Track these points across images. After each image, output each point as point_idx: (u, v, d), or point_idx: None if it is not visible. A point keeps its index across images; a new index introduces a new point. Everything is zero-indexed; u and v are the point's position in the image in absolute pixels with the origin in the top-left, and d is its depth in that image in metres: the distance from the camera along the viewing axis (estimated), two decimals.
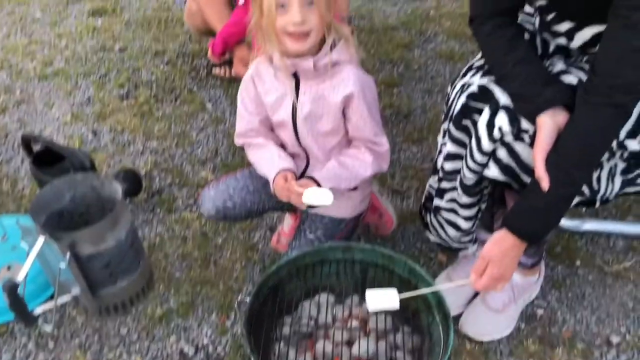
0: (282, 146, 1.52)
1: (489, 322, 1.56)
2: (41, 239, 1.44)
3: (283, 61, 1.35)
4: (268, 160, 1.47)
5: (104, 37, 2.99)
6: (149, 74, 2.69)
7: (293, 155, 1.51)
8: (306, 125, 1.42)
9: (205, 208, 1.58)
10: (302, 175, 1.50)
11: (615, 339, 1.55)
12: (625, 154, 1.27)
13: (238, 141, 1.58)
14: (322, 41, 1.36)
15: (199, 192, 2.04)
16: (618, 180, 1.33)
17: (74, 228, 1.47)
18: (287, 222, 1.78)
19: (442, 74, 2.61)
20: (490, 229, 1.58)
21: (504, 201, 1.52)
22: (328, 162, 1.46)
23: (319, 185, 1.40)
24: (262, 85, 1.46)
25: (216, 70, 2.63)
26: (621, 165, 1.31)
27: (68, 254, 1.43)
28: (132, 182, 1.93)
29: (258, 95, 1.48)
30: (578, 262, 1.76)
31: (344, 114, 1.41)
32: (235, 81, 2.56)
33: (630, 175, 1.34)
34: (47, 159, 1.88)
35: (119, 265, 1.55)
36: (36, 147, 1.94)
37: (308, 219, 1.58)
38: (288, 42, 1.31)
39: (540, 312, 1.62)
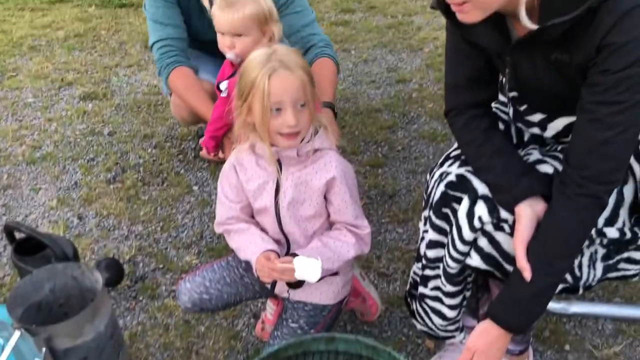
0: (265, 233, 1.52)
1: None
2: (16, 334, 1.40)
3: (269, 150, 1.38)
4: (251, 244, 1.46)
5: (94, 120, 3.04)
6: (137, 157, 2.72)
7: (275, 242, 1.51)
8: (289, 211, 1.43)
9: (181, 301, 1.58)
10: None
11: None
12: (605, 241, 1.28)
13: (218, 229, 1.58)
14: None
15: (182, 278, 2.02)
16: (599, 267, 1.34)
17: (53, 319, 1.44)
18: (270, 309, 1.75)
19: (426, 154, 2.66)
20: (476, 315, 1.57)
21: (489, 287, 1.51)
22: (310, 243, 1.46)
23: None
24: (243, 173, 1.48)
25: (203, 153, 2.67)
26: (601, 252, 1.32)
27: (44, 349, 1.39)
28: (114, 271, 1.90)
29: (239, 183, 1.49)
30: (567, 347, 1.73)
31: (325, 198, 1.43)
32: (222, 163, 2.59)
33: (611, 262, 1.34)
34: (30, 247, 1.86)
35: (97, 358, 1.50)
36: (19, 235, 1.92)
37: (290, 307, 1.56)
38: (281, 140, 1.35)
39: None
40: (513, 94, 1.35)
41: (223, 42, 1.80)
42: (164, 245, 2.19)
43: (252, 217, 1.54)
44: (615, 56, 1.03)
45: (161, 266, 2.09)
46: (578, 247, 1.20)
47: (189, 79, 2.24)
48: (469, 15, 1.09)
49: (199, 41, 2.42)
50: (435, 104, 3.07)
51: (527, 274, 1.17)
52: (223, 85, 1.91)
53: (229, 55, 1.80)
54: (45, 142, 2.87)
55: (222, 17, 1.75)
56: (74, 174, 2.62)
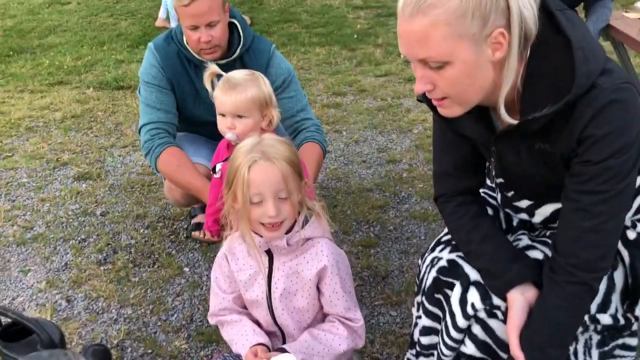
0: (257, 324, 1.50)
1: None
2: None
3: (250, 239, 1.39)
4: (242, 337, 1.44)
5: (87, 201, 3.06)
6: (129, 237, 2.71)
7: (268, 334, 1.48)
8: (281, 303, 1.42)
9: None
10: None
11: None
12: (599, 327, 1.28)
13: (212, 320, 1.57)
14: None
15: None
16: (595, 354, 1.33)
17: None
18: None
19: (417, 235, 2.67)
20: None
21: None
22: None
23: None
24: (235, 263, 1.48)
25: (195, 234, 2.67)
26: (596, 338, 1.32)
27: None
28: (101, 358, 1.85)
29: (231, 273, 1.49)
30: None
31: (318, 288, 1.42)
32: (213, 244, 2.59)
33: (607, 348, 1.33)
34: (16, 332, 1.82)
35: None
36: (5, 320, 1.88)
37: None
38: (263, 231, 1.36)
39: None
40: (500, 180, 1.39)
41: (223, 123, 1.85)
42: (153, 329, 2.15)
43: (245, 308, 1.52)
44: (595, 148, 1.07)
45: (150, 351, 2.04)
46: (571, 334, 1.20)
47: (181, 158, 2.27)
48: (450, 110, 1.13)
49: (195, 124, 2.48)
50: (426, 184, 3.12)
51: None
52: (218, 167, 1.95)
53: (229, 135, 1.84)
54: (37, 222, 2.87)
55: (225, 98, 1.80)
56: (65, 255, 2.60)
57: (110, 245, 2.65)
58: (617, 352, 1.34)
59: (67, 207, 3.00)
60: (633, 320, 1.31)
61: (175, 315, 2.22)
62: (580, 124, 1.07)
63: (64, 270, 2.50)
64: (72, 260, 2.55)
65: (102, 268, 2.50)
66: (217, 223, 2.01)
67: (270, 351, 1.42)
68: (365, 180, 3.18)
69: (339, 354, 1.42)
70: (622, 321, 1.27)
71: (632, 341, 1.34)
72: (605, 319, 1.25)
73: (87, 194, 3.14)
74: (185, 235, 2.72)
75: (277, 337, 1.50)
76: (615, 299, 1.27)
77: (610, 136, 1.05)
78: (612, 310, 1.26)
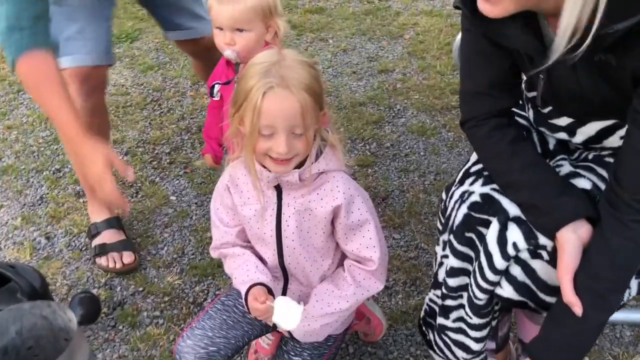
0: (261, 260, 1.36)
1: None
2: None
3: (253, 172, 1.21)
4: (243, 272, 1.30)
5: None
6: None
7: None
8: (294, 243, 1.27)
9: None
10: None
11: None
12: None
13: (213, 254, 1.42)
14: None
15: (180, 335, 1.87)
16: (635, 283, 1.21)
17: None
18: (266, 338, 1.59)
19: (416, 150, 2.52)
20: (495, 337, 1.43)
21: (509, 308, 1.38)
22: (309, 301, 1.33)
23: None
24: (238, 196, 1.31)
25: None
26: None
27: None
28: (89, 307, 1.71)
29: (235, 206, 1.32)
30: (586, 359, 1.62)
31: (333, 225, 1.27)
32: (200, 169, 2.42)
33: None
34: None
35: None
36: None
37: (291, 339, 1.41)
38: (269, 163, 1.18)
39: None
40: (532, 94, 1.21)
41: (221, 39, 1.57)
42: (143, 264, 2.01)
43: (249, 241, 1.37)
44: None
45: (141, 289, 1.92)
46: (630, 277, 1.07)
47: (42, 71, 1.50)
48: (498, 7, 0.93)
49: None
50: (421, 95, 2.93)
51: (578, 310, 1.03)
52: (216, 88, 1.71)
53: (228, 53, 1.57)
54: (5, 152, 2.64)
55: (221, 9, 1.52)
56: (39, 187, 2.41)
57: None
58: None
59: (36, 135, 2.76)
60: None
61: (165, 248, 2.08)
62: None
63: (39, 204, 2.31)
64: (47, 194, 2.36)
65: (81, 200, 2.31)
66: (220, 148, 1.79)
67: (270, 292, 1.28)
68: (357, 94, 2.97)
69: (341, 311, 1.31)
70: None
71: None
72: None
73: None
74: (168, 160, 2.53)
75: (279, 280, 1.37)
76: None
77: None
78: None
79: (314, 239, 1.28)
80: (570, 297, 1.03)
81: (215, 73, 1.70)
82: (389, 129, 2.68)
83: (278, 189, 1.25)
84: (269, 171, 1.21)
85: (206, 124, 1.80)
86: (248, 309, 1.27)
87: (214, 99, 1.70)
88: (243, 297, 1.29)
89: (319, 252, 1.30)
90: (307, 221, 1.25)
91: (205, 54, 2.14)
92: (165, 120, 2.79)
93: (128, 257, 1.97)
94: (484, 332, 1.27)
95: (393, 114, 2.79)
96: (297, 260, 1.30)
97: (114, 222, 2.06)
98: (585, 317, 1.03)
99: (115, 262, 1.95)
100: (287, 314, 1.22)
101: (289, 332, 1.37)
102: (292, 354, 1.40)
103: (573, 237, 1.04)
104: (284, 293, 1.37)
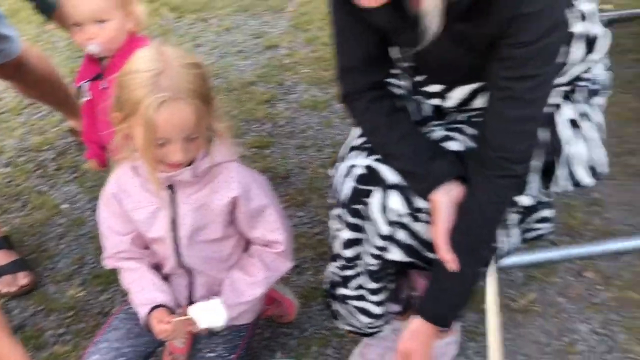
0: (159, 266, 1.33)
1: None
2: None
3: (154, 176, 1.18)
4: (140, 292, 1.28)
5: None
6: None
7: (173, 274, 1.33)
8: (190, 240, 1.26)
9: None
10: (190, 298, 1.33)
11: None
12: (519, 209, 1.25)
13: (107, 264, 1.37)
14: None
15: (69, 317, 1.78)
16: (516, 232, 1.31)
17: None
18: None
19: (312, 126, 2.54)
20: (397, 299, 1.50)
21: (405, 271, 1.45)
22: (219, 282, 1.32)
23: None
24: (128, 201, 1.27)
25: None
26: (515, 217, 1.29)
27: None
28: None
29: (125, 213, 1.28)
30: (484, 305, 1.73)
31: (232, 215, 1.27)
32: (90, 172, 2.31)
33: (525, 225, 1.32)
34: None
35: None
36: None
37: (206, 335, 1.40)
38: (164, 167, 1.17)
39: None
40: (407, 64, 1.25)
41: (81, 35, 1.48)
42: (41, 281, 1.91)
43: (145, 245, 1.34)
44: (528, 27, 0.95)
45: (41, 308, 1.82)
46: (497, 229, 1.15)
47: None
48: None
49: None
50: (309, 69, 2.94)
51: (453, 265, 1.10)
52: (85, 87, 1.62)
53: (91, 47, 1.48)
54: None
55: (78, 3, 1.43)
56: None
57: None
58: (536, 225, 1.34)
59: None
60: (550, 194, 1.29)
61: (63, 260, 1.98)
62: (509, 2, 0.94)
63: None
64: None
65: None
66: (104, 150, 1.71)
67: (172, 311, 1.29)
68: (246, 73, 2.93)
69: (255, 298, 1.32)
70: (542, 198, 1.24)
71: (549, 213, 1.34)
72: (525, 200, 1.22)
73: None
74: (55, 166, 2.39)
75: (183, 277, 1.35)
76: (535, 179, 1.23)
77: (543, 12, 0.94)
78: (532, 191, 1.22)
79: (213, 233, 1.27)
80: (445, 255, 1.10)
81: (81, 72, 1.62)
82: (282, 106, 2.68)
83: (171, 187, 1.23)
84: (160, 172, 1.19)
85: (84, 128, 1.71)
86: (151, 330, 1.26)
87: (85, 99, 1.62)
88: (142, 319, 1.28)
89: (219, 243, 1.30)
90: (204, 217, 1.24)
91: (18, 74, 2.08)
92: (46, 124, 2.63)
93: (24, 278, 1.86)
94: (383, 296, 1.33)
95: (284, 91, 2.79)
96: (198, 256, 1.29)
97: (2, 243, 1.94)
98: (461, 272, 1.11)
99: (9, 286, 1.84)
100: (209, 314, 1.23)
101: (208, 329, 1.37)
102: (207, 350, 1.39)
103: (445, 199, 1.10)
104: (190, 289, 1.36)
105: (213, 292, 1.35)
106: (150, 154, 1.13)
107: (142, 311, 1.26)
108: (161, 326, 1.22)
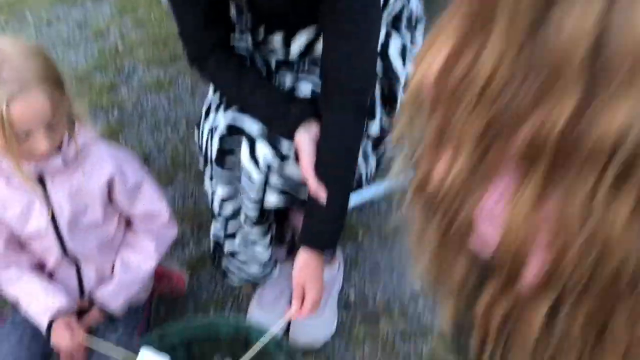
0: (41, 264, 1.30)
1: (317, 327, 1.60)
2: None
3: (22, 174, 1.14)
4: (32, 300, 1.25)
5: None
6: None
7: (58, 267, 1.30)
8: (71, 226, 1.24)
9: None
10: (80, 288, 1.32)
11: (418, 287, 1.72)
12: (371, 136, 1.38)
13: None
14: None
15: None
16: (372, 158, 1.45)
17: None
18: None
19: (160, 105, 2.52)
20: (283, 242, 1.60)
21: (285, 214, 1.55)
22: (109, 265, 1.33)
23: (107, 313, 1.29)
24: None
25: None
26: (370, 144, 1.43)
27: None
28: None
29: None
30: (360, 236, 1.90)
31: (111, 196, 1.27)
32: None
33: (380, 150, 1.47)
34: None
35: None
36: None
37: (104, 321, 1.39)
38: (31, 160, 1.14)
39: (352, 295, 1.72)
40: (245, 19, 1.32)
41: None
42: None
43: (21, 245, 1.30)
44: None
45: None
46: (357, 153, 1.26)
47: None
48: None
49: None
50: (146, 50, 2.89)
51: (323, 196, 1.20)
52: None
53: None
54: None
55: None
56: None
57: None
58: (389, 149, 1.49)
59: None
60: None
61: None
62: None
63: None
64: None
65: None
66: None
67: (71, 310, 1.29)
68: (80, 65, 2.80)
69: (151, 270, 1.35)
70: (387, 126, 1.39)
71: None
72: (374, 127, 1.35)
73: None
74: None
75: (70, 267, 1.33)
76: (379, 107, 1.37)
77: None
78: (377, 120, 1.35)
79: (93, 215, 1.27)
80: (314, 187, 1.20)
81: None
82: (125, 92, 2.62)
83: (40, 179, 1.20)
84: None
85: None
86: (51, 340, 1.25)
87: None
88: (43, 329, 1.25)
89: (101, 226, 1.30)
90: (81, 200, 1.24)
91: None
92: None
93: None
94: (267, 240, 1.42)
95: (125, 76, 2.72)
96: (82, 242, 1.28)
97: None
98: (330, 200, 1.21)
99: None
100: None
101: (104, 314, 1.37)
102: (108, 332, 1.39)
103: (305, 136, 1.20)
104: (79, 278, 1.35)
105: (104, 277, 1.35)
106: (14, 151, 1.10)
107: (42, 321, 1.24)
108: (67, 334, 1.23)
